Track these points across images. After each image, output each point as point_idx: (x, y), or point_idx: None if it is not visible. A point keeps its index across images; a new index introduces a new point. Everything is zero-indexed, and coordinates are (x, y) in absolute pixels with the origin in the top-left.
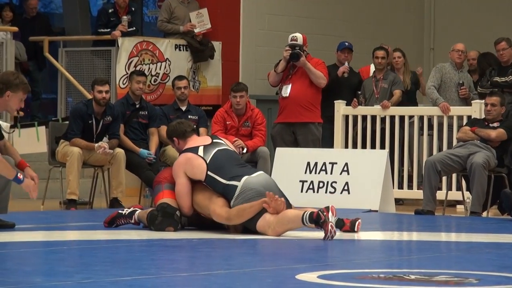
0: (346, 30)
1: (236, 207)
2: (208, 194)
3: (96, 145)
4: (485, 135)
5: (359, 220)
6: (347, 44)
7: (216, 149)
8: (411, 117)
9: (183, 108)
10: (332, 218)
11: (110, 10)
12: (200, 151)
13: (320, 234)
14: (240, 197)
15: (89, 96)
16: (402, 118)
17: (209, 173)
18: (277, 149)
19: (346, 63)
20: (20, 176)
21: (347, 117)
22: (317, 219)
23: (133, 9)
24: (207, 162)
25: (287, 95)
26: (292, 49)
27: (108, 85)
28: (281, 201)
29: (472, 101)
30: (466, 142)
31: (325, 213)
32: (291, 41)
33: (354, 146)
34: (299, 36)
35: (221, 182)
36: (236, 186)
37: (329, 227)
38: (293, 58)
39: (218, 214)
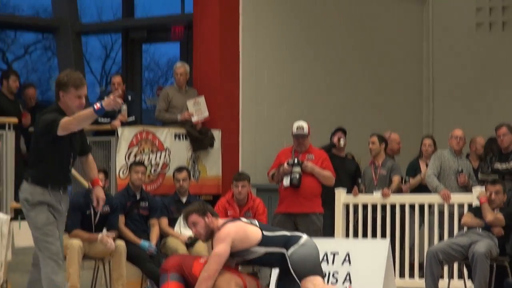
0: (344, 116)
1: None
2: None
3: (99, 236)
4: (483, 214)
5: None
6: (340, 126)
7: (256, 221)
8: (430, 206)
9: (184, 200)
10: None
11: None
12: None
13: None
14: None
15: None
16: (403, 205)
17: (265, 232)
18: None
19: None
20: (97, 105)
21: (347, 205)
22: None
23: (129, 97)
24: (258, 226)
25: (288, 185)
26: (291, 167)
27: (102, 173)
28: None
29: (473, 188)
30: (469, 229)
31: None
32: (296, 130)
33: (355, 234)
34: (305, 125)
35: (285, 234)
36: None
37: None
38: (294, 186)
39: None
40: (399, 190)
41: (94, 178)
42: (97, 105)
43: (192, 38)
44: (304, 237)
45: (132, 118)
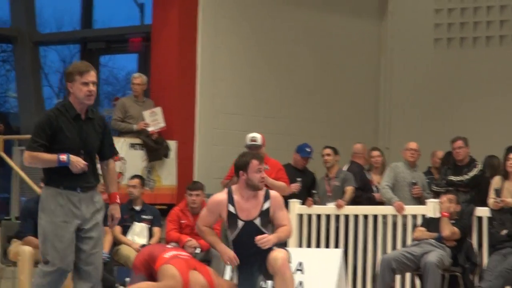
0: (301, 129)
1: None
2: None
3: None
4: (441, 228)
5: None
6: (308, 151)
7: None
8: (384, 217)
9: (138, 208)
10: None
11: None
12: None
13: None
14: None
15: None
16: (356, 216)
17: None
18: None
19: (298, 184)
20: (63, 158)
21: (301, 216)
22: None
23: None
24: None
25: None
26: None
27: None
28: None
29: (426, 200)
30: (421, 240)
31: None
32: (250, 141)
33: (308, 245)
34: (258, 136)
35: None
36: None
37: None
38: None
39: None
40: (354, 201)
41: (112, 193)
42: (63, 158)
43: (150, 49)
44: None
45: None
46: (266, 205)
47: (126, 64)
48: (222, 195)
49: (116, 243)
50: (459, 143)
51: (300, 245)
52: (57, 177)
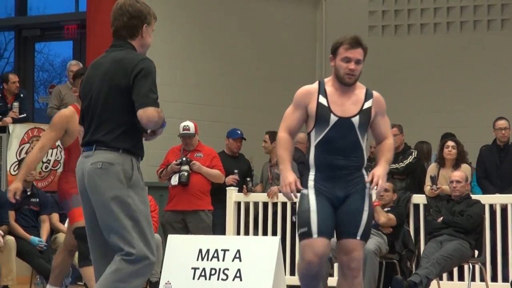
0: (236, 116)
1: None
2: None
3: None
4: (376, 217)
5: None
6: (239, 132)
7: None
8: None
9: None
10: None
11: None
12: None
13: None
14: None
15: None
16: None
17: None
18: (169, 236)
19: (236, 176)
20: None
21: (239, 203)
22: None
23: (21, 95)
24: None
25: (176, 183)
26: (179, 166)
27: None
28: None
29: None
30: None
31: None
32: (183, 130)
33: (246, 232)
34: (191, 125)
35: None
36: None
37: None
38: (182, 184)
39: None
40: None
41: None
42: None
43: (85, 36)
44: None
45: (24, 115)
46: (367, 104)
47: (62, 51)
48: (311, 85)
49: (54, 231)
50: (394, 130)
51: (238, 233)
52: (137, 147)
